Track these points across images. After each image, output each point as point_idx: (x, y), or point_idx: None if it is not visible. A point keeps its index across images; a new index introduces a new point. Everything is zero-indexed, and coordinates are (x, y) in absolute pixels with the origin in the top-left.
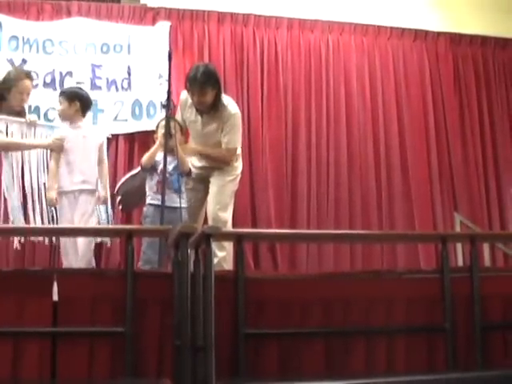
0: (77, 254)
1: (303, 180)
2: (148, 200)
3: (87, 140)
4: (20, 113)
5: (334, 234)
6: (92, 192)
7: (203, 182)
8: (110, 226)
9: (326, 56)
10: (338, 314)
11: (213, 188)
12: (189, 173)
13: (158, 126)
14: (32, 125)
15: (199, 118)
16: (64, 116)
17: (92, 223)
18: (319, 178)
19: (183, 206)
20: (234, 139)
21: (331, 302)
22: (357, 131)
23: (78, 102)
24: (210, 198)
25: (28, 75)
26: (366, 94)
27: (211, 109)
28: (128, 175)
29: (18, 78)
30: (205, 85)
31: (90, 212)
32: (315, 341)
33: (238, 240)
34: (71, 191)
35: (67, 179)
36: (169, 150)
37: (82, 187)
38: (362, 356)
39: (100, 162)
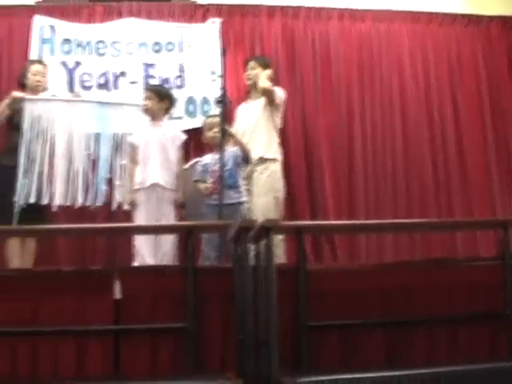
0: (153, 251)
1: (360, 169)
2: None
3: (166, 139)
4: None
5: (393, 224)
6: (168, 190)
7: None
8: (170, 223)
9: (377, 45)
10: (399, 303)
11: None
12: (249, 159)
13: (204, 125)
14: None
15: None
16: (149, 112)
17: (171, 220)
18: (376, 167)
19: (242, 200)
20: None
21: (392, 291)
22: (412, 119)
23: (168, 102)
24: None
25: (39, 61)
26: (420, 81)
27: None
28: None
29: (30, 63)
30: None
31: (166, 209)
32: (376, 331)
33: (298, 233)
34: (146, 187)
35: (142, 175)
36: (215, 145)
37: (157, 182)
38: (423, 345)
39: (178, 163)
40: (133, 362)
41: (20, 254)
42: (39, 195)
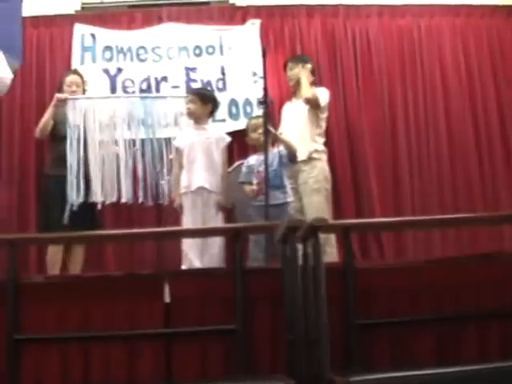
0: (199, 254)
1: (405, 165)
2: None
3: (210, 142)
4: None
5: (441, 220)
6: (214, 193)
7: None
8: (218, 226)
9: (418, 41)
10: (448, 299)
11: None
12: (296, 158)
13: (247, 126)
14: None
15: None
16: (193, 115)
17: (218, 223)
18: (420, 163)
19: (288, 201)
20: None
21: (441, 288)
22: (455, 114)
23: (211, 105)
24: None
25: (75, 71)
26: (462, 75)
27: None
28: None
29: (66, 74)
30: None
31: (212, 212)
32: (426, 328)
33: (346, 231)
34: (192, 191)
35: (188, 179)
36: (260, 146)
37: (202, 185)
38: (474, 342)
39: (222, 166)
40: (183, 365)
41: (60, 261)
42: (89, 194)
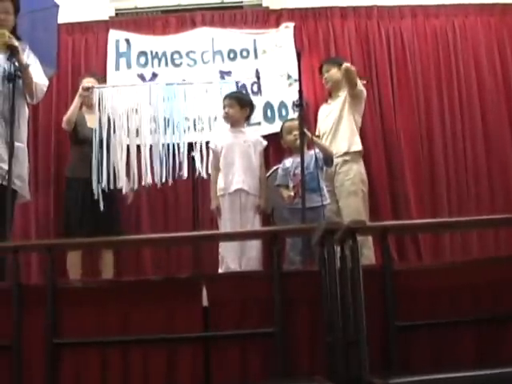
0: (236, 257)
1: (441, 166)
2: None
3: (248, 145)
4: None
5: (478, 220)
6: (252, 196)
7: None
8: (255, 229)
9: (453, 41)
10: (488, 300)
11: None
12: (331, 161)
13: (282, 129)
14: None
15: None
16: (230, 119)
17: (255, 225)
18: (457, 163)
19: (325, 203)
20: None
21: (480, 288)
22: (491, 114)
23: (249, 109)
24: None
25: (91, 74)
26: (498, 75)
27: None
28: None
29: (82, 77)
30: None
31: (250, 215)
32: (466, 329)
33: (383, 233)
34: (230, 193)
35: (225, 181)
36: (295, 149)
37: (241, 187)
38: None
39: (260, 169)
40: (222, 369)
41: (79, 265)
42: (114, 180)
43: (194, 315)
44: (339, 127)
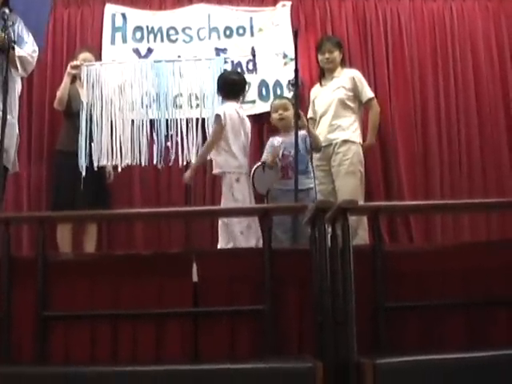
0: (233, 233)
1: (434, 150)
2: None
3: (245, 122)
4: None
5: (470, 204)
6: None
7: None
8: (247, 206)
9: (450, 24)
10: (478, 284)
11: None
12: (320, 149)
13: (271, 107)
14: None
15: None
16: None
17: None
18: (450, 147)
19: (312, 186)
20: None
21: (470, 272)
22: (486, 98)
23: None
24: None
25: (87, 49)
26: (494, 60)
27: None
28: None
29: (78, 52)
30: None
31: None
32: (455, 312)
33: (375, 213)
34: (246, 173)
35: (242, 162)
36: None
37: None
38: (504, 326)
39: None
40: (211, 345)
41: (70, 239)
42: (103, 158)
43: (183, 290)
44: (338, 111)
